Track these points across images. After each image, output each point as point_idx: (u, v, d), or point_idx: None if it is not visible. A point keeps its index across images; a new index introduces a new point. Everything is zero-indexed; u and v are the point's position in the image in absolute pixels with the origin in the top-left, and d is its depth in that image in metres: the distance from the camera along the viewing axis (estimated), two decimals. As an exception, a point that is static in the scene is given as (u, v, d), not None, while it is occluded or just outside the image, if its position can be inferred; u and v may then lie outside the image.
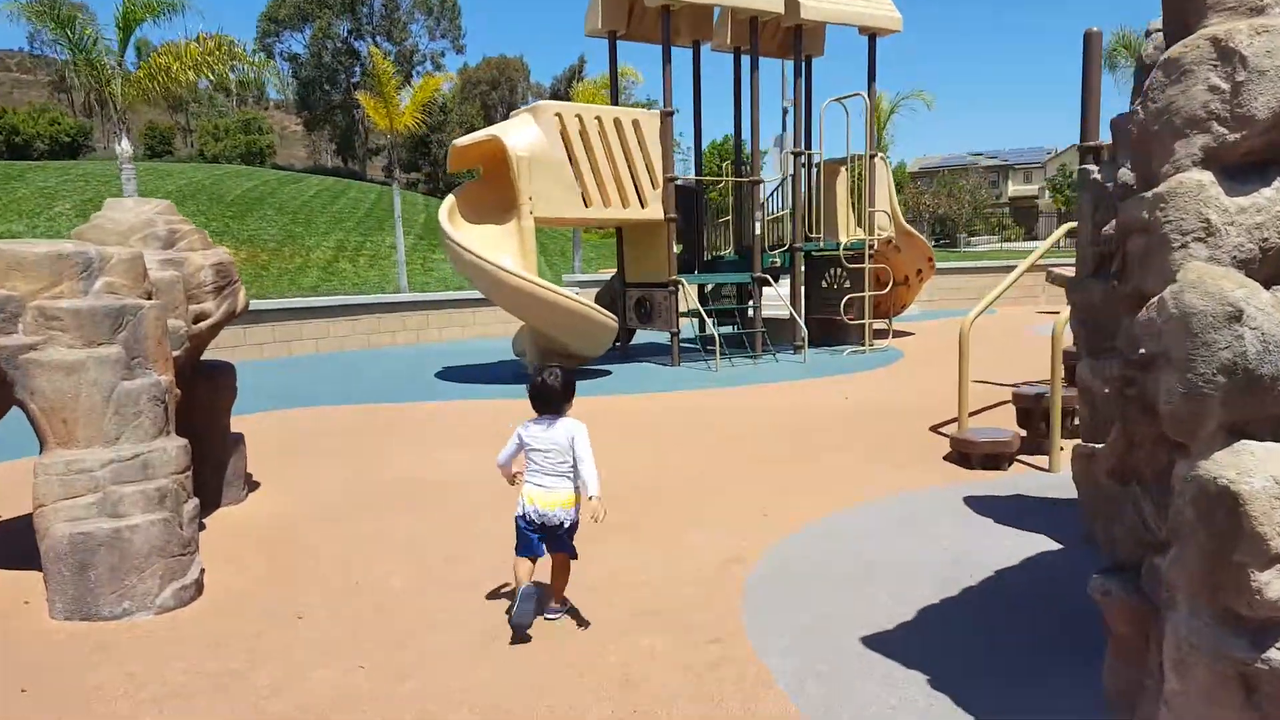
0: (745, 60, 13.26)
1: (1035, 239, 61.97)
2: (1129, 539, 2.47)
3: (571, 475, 3.68)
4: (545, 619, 3.67)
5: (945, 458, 6.17)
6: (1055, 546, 4.27)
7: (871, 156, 12.30)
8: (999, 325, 15.53)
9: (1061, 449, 5.85)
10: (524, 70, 68.40)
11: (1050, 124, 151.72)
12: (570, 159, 10.54)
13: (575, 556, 3.74)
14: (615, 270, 13.04)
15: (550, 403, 3.83)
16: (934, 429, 7.02)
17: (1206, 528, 2.12)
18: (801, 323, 11.58)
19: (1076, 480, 4.66)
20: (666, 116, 11.04)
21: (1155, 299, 2.22)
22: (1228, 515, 2.08)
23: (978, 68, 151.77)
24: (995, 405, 7.77)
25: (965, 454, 5.98)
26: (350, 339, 15.02)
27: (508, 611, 3.61)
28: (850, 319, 12.29)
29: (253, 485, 5.79)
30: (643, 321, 11.93)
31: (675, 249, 11.13)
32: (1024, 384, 8.41)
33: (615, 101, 12.37)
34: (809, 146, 12.09)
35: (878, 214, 12.58)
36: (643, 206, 11.05)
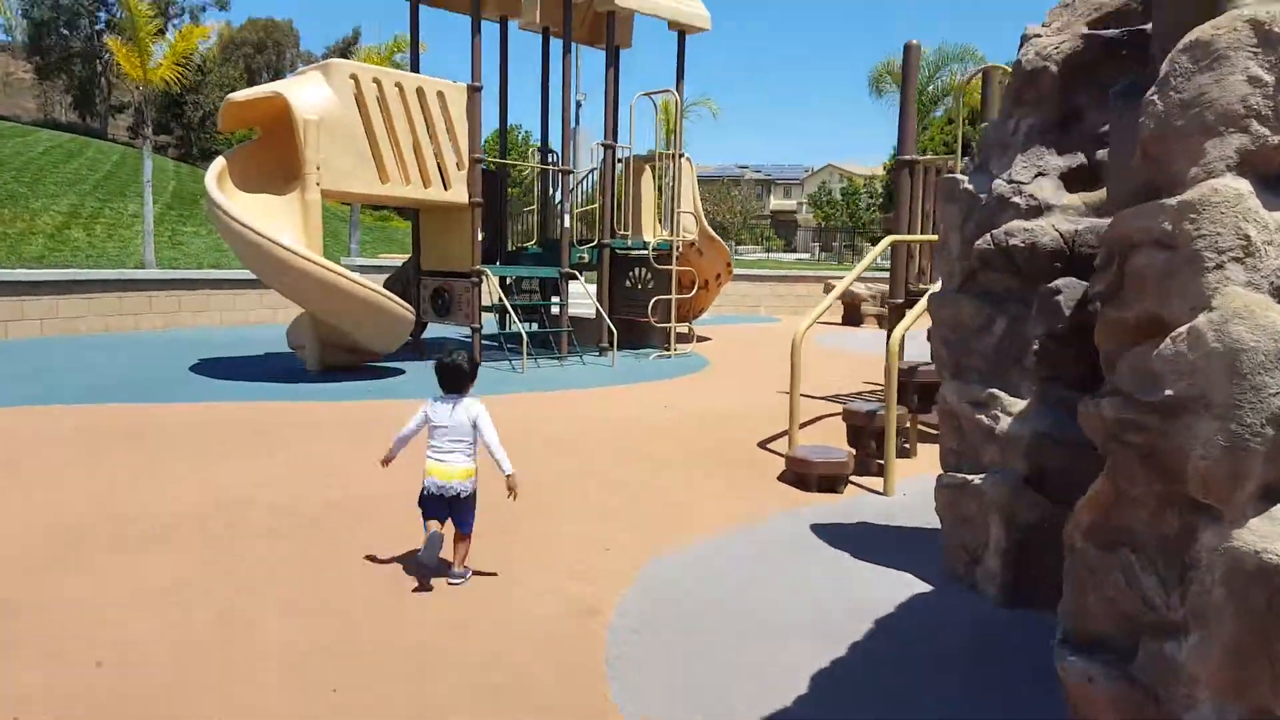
0: (554, 43, 12.63)
1: (793, 250, 66.15)
2: (1109, 612, 2.10)
3: (469, 452, 4.03)
4: (449, 583, 3.91)
5: (780, 477, 5.85)
6: (923, 586, 3.97)
7: (678, 156, 12.04)
8: (784, 335, 15.90)
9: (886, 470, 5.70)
10: (293, 35, 63.67)
11: (806, 142, 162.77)
12: (366, 128, 9.41)
13: (468, 533, 4.02)
14: (408, 256, 11.97)
15: (457, 382, 4.15)
16: (763, 445, 6.72)
17: (1241, 611, 1.74)
18: (610, 323, 11.10)
19: (941, 513, 4.45)
20: (475, 91, 10.16)
21: (1184, 330, 1.83)
22: (1269, 597, 1.71)
23: (749, 80, 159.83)
24: (813, 420, 7.62)
25: (801, 475, 5.68)
26: (84, 321, 12.82)
27: (415, 552, 3.97)
28: (655, 321, 11.99)
29: (-63, 512, 4.42)
30: (440, 314, 10.96)
31: (479, 237, 10.28)
32: (851, 398, 8.40)
33: (415, 70, 11.29)
34: (615, 140, 11.63)
35: (684, 215, 12.37)
36: (446, 188, 10.10)
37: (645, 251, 12.02)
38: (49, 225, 23.41)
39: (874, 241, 64.34)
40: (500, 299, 10.66)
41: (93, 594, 3.59)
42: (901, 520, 5.01)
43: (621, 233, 11.88)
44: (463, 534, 4.02)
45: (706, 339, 13.84)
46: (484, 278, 10.41)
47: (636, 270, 13.13)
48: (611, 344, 11.00)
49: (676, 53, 11.96)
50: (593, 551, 4.30)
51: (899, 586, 3.95)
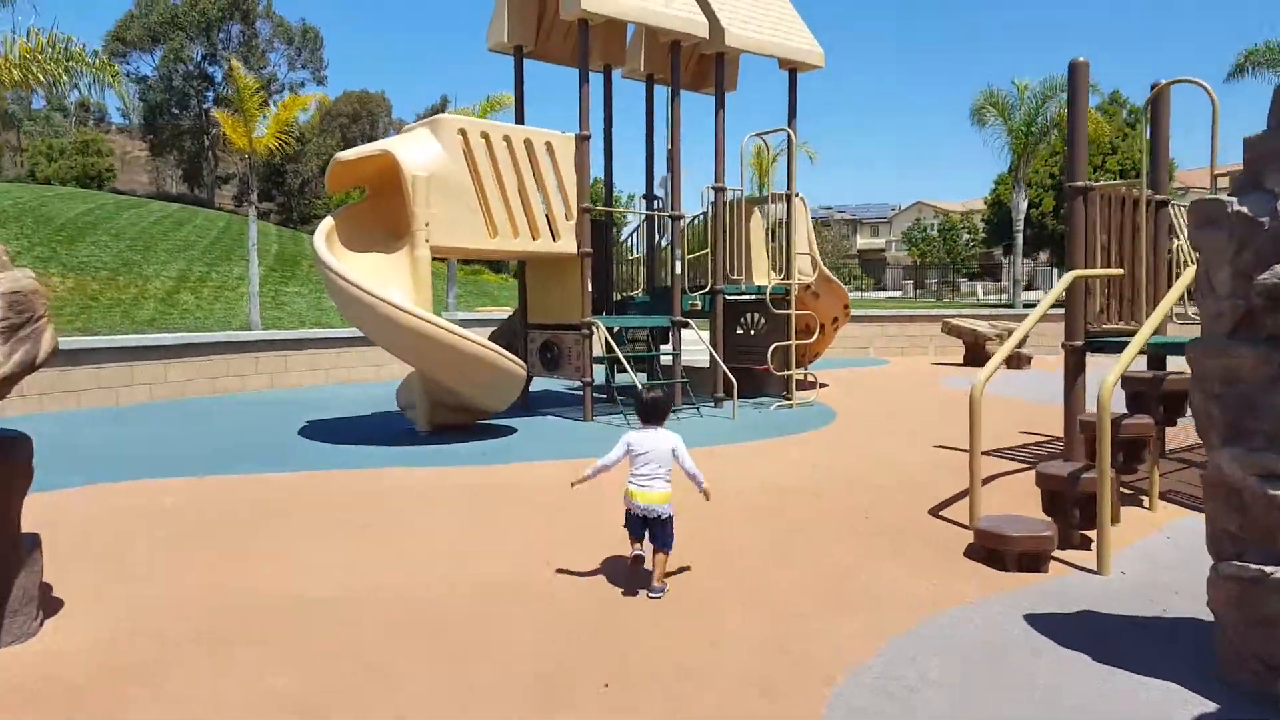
0: (658, 90, 12.28)
1: (883, 289, 64.61)
2: None
3: (668, 477, 4.55)
4: (649, 597, 4.35)
5: (967, 553, 5.08)
6: (1204, 704, 3.17)
7: (792, 195, 11.45)
8: (904, 378, 15.02)
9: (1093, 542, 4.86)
10: (386, 105, 66.19)
11: (888, 181, 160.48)
12: (475, 182, 9.12)
13: (669, 550, 4.53)
14: (506, 309, 11.64)
15: (659, 415, 4.77)
16: (936, 513, 5.95)
17: None
18: (727, 372, 10.48)
19: (1222, 611, 3.57)
20: (583, 140, 9.80)
21: None
22: None
23: (827, 118, 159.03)
24: (988, 479, 6.81)
25: (996, 551, 4.88)
26: (193, 384, 12.85)
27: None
28: (774, 369, 11.33)
29: (51, 607, 4.05)
30: (549, 368, 10.54)
31: (589, 286, 9.85)
32: (1015, 451, 7.50)
33: (520, 122, 11.05)
34: (724, 182, 11.10)
35: (799, 257, 11.74)
36: (555, 239, 9.73)
37: (760, 296, 11.42)
38: (160, 290, 24.21)
39: (972, 277, 62.51)
40: (610, 349, 10.14)
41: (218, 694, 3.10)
42: (1131, 607, 4.19)
43: (734, 277, 11.31)
44: (664, 550, 4.53)
45: (824, 385, 13.08)
46: (594, 329, 9.95)
47: (749, 316, 12.53)
48: (730, 394, 10.37)
49: (788, 90, 11.44)
50: (767, 657, 3.63)
51: (1174, 704, 3.16)
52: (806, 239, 12.07)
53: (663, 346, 12.43)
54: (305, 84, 62.31)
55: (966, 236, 52.80)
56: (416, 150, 8.84)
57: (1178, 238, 7.80)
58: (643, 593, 4.38)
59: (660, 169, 12.16)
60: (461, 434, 9.01)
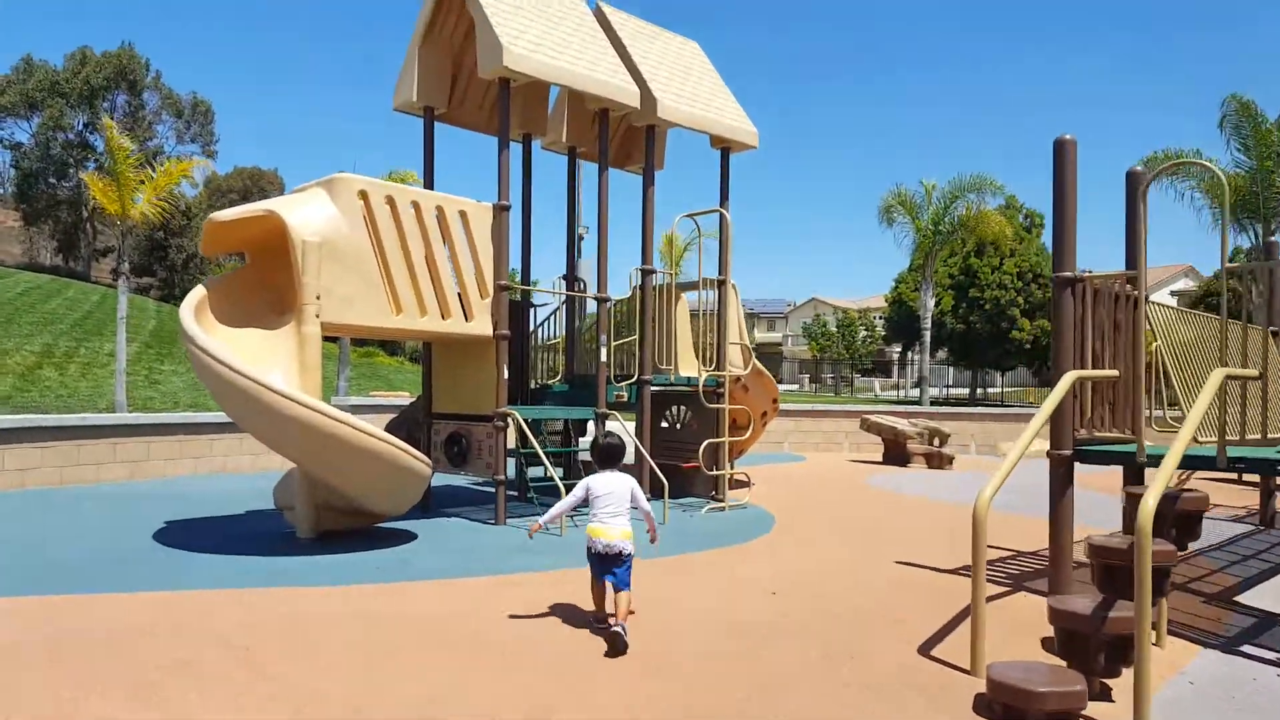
0: (582, 165, 11.55)
1: (781, 382, 65.53)
2: None
3: (628, 516, 4.99)
4: (613, 632, 4.63)
5: (978, 708, 4.12)
6: None
7: (721, 283, 10.75)
8: (828, 476, 14.30)
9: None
10: (279, 182, 64.27)
11: (782, 276, 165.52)
12: (376, 251, 8.02)
13: (628, 589, 4.89)
14: (407, 395, 10.43)
15: (616, 459, 5.20)
16: (926, 653, 4.99)
17: None
18: (656, 469, 9.46)
19: None
20: (501, 211, 8.86)
21: None
22: None
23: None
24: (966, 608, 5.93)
25: (1017, 710, 3.94)
26: (36, 473, 11.03)
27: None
28: (706, 468, 10.41)
29: None
30: (454, 463, 9.30)
31: (505, 374, 8.76)
32: (1022, 578, 6.66)
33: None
34: (652, 264, 10.30)
35: (734, 347, 10.98)
36: (467, 319, 8.65)
37: (689, 389, 10.54)
38: (20, 365, 21.81)
39: (865, 373, 63.90)
40: (527, 442, 9.01)
41: None
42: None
43: (663, 367, 10.42)
44: (623, 589, 4.81)
45: (745, 483, 12.19)
46: (510, 420, 8.83)
47: (675, 409, 11.62)
48: (660, 494, 9.33)
49: (720, 170, 10.84)
50: None
51: None
52: (738, 328, 11.34)
53: (581, 440, 11.36)
54: (194, 158, 60.00)
55: (864, 333, 54.02)
56: (308, 212, 7.72)
57: (1154, 339, 7.29)
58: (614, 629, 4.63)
59: (584, 249, 11.32)
60: (351, 541, 7.66)
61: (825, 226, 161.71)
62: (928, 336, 28.55)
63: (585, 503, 5.04)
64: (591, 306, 10.58)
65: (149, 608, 5.48)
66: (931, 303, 29.00)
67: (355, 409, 15.01)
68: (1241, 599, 6.47)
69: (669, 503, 9.70)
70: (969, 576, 6.76)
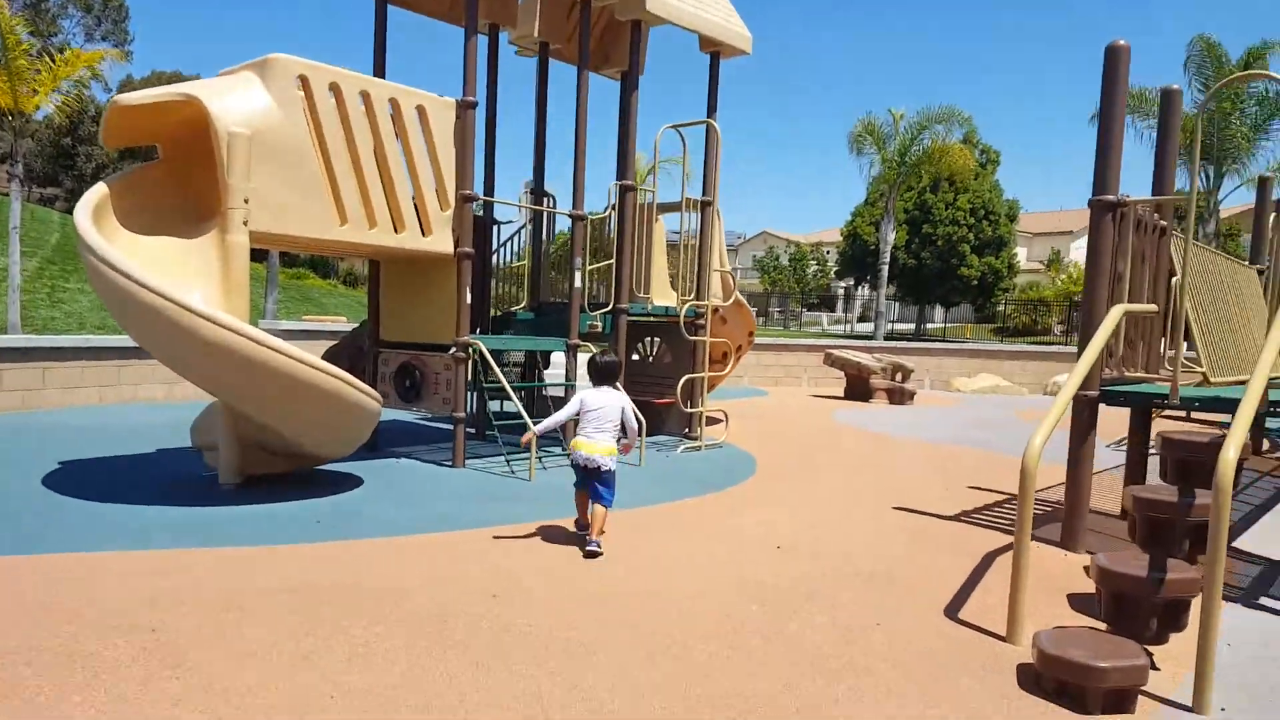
0: (555, 67, 10.22)
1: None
2: None
3: (614, 433, 5.09)
4: (587, 550, 4.85)
5: (1024, 683, 3.50)
6: None
7: (707, 204, 9.68)
8: (795, 412, 13.57)
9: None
10: (204, 89, 59.90)
11: (732, 210, 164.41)
12: (318, 149, 6.73)
13: (609, 506, 5.03)
14: (351, 321, 9.24)
15: (612, 377, 5.36)
16: (954, 615, 4.28)
17: None
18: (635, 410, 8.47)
19: None
20: (466, 108, 7.58)
21: None
22: None
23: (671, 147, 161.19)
24: (987, 558, 5.24)
25: (1074, 686, 3.30)
26: (-94, 403, 9.53)
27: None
28: (672, 403, 9.49)
29: None
30: (405, 399, 8.18)
31: (467, 297, 7.61)
32: (982, 513, 6.01)
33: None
34: (632, 178, 9.13)
35: (715, 275, 9.97)
36: (425, 233, 7.44)
37: (667, 319, 9.55)
38: (-106, 279, 19.60)
39: (811, 308, 63.53)
40: (491, 375, 7.93)
41: None
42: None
43: (641, 295, 9.37)
44: (604, 505, 5.00)
45: (716, 418, 11.34)
46: (470, 352, 7.73)
47: (647, 341, 10.62)
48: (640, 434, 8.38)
49: (709, 76, 9.64)
50: None
51: None
52: (719, 255, 10.33)
53: (545, 373, 10.32)
54: (106, 58, 55.56)
55: (815, 267, 53.48)
56: (236, 99, 6.36)
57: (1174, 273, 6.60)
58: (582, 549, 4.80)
59: (555, 160, 10.07)
60: (286, 488, 6.53)
61: (778, 162, 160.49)
62: (885, 271, 27.95)
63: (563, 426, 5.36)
64: (562, 225, 9.42)
65: (24, 576, 4.32)
66: (892, 236, 28.33)
67: (286, 335, 13.66)
68: (1240, 544, 5.96)
69: (643, 441, 8.78)
70: (975, 525, 6.10)
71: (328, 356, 9.49)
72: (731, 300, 10.15)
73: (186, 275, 5.98)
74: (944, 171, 28.51)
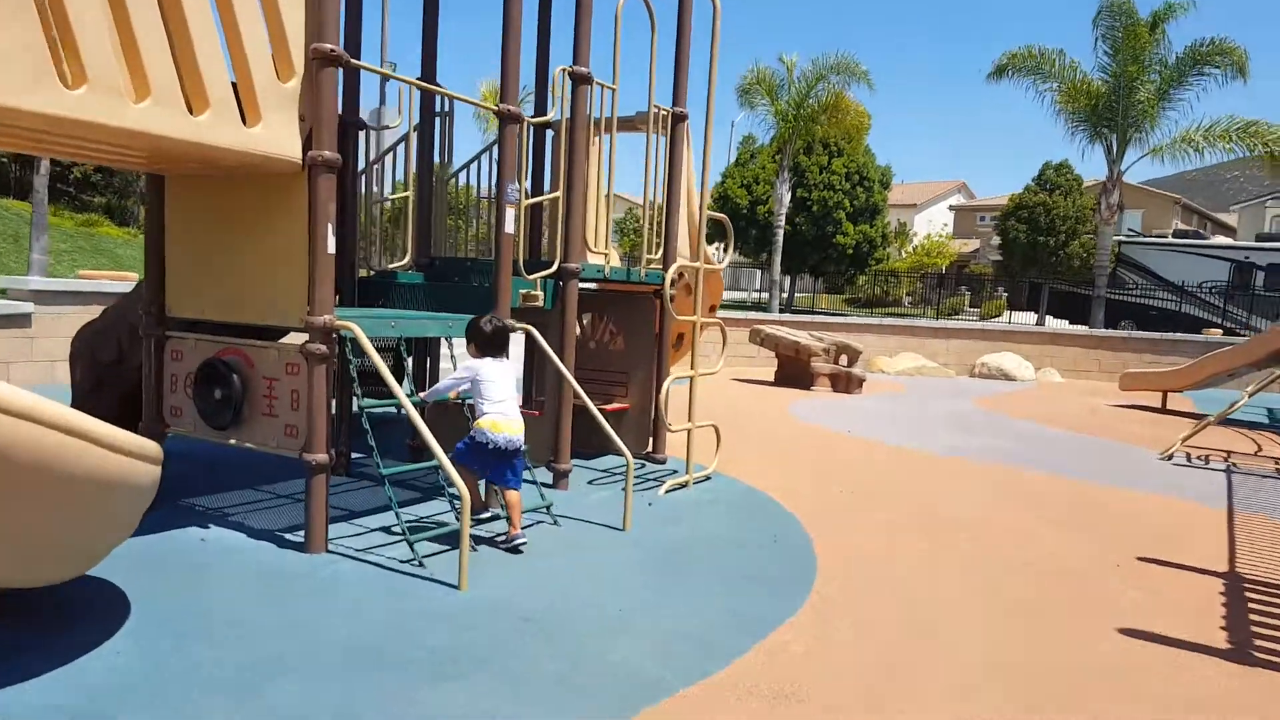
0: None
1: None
2: None
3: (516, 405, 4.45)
4: (511, 547, 4.33)
5: None
6: None
7: (679, 118, 6.64)
8: (743, 407, 10.82)
9: None
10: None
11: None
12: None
13: (520, 488, 4.44)
14: (138, 283, 5.76)
15: (504, 347, 4.57)
16: None
17: None
18: (602, 420, 5.34)
19: None
20: (324, -103, 4.15)
21: None
22: None
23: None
24: None
25: None
26: None
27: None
28: (627, 408, 6.52)
29: None
30: (215, 421, 4.68)
31: (330, 244, 4.23)
32: None
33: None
34: (587, 66, 5.93)
35: (683, 225, 6.99)
36: (246, 120, 4.00)
37: (628, 288, 6.52)
38: None
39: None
40: (358, 381, 4.64)
41: None
42: None
43: (598, 249, 6.25)
44: (517, 489, 4.41)
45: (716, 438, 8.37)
46: (345, 339, 4.39)
47: (584, 319, 7.47)
48: (631, 462, 5.30)
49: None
50: None
51: None
52: (690, 196, 7.33)
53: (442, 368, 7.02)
54: None
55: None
56: None
57: None
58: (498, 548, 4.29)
59: (465, 31, 6.65)
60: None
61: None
62: (780, 236, 25.70)
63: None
64: (469, 136, 6.06)
65: None
66: (787, 196, 26.07)
67: (49, 296, 9.57)
68: None
69: (577, 466, 5.80)
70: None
71: (87, 336, 5.86)
72: (703, 260, 7.14)
73: None
74: (837, 130, 26.54)
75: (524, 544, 4.37)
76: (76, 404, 6.07)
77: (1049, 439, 9.58)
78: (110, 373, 5.84)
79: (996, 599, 4.20)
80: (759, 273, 43.51)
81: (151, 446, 3.10)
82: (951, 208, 59.86)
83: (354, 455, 6.14)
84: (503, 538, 4.45)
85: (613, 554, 4.54)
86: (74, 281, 10.80)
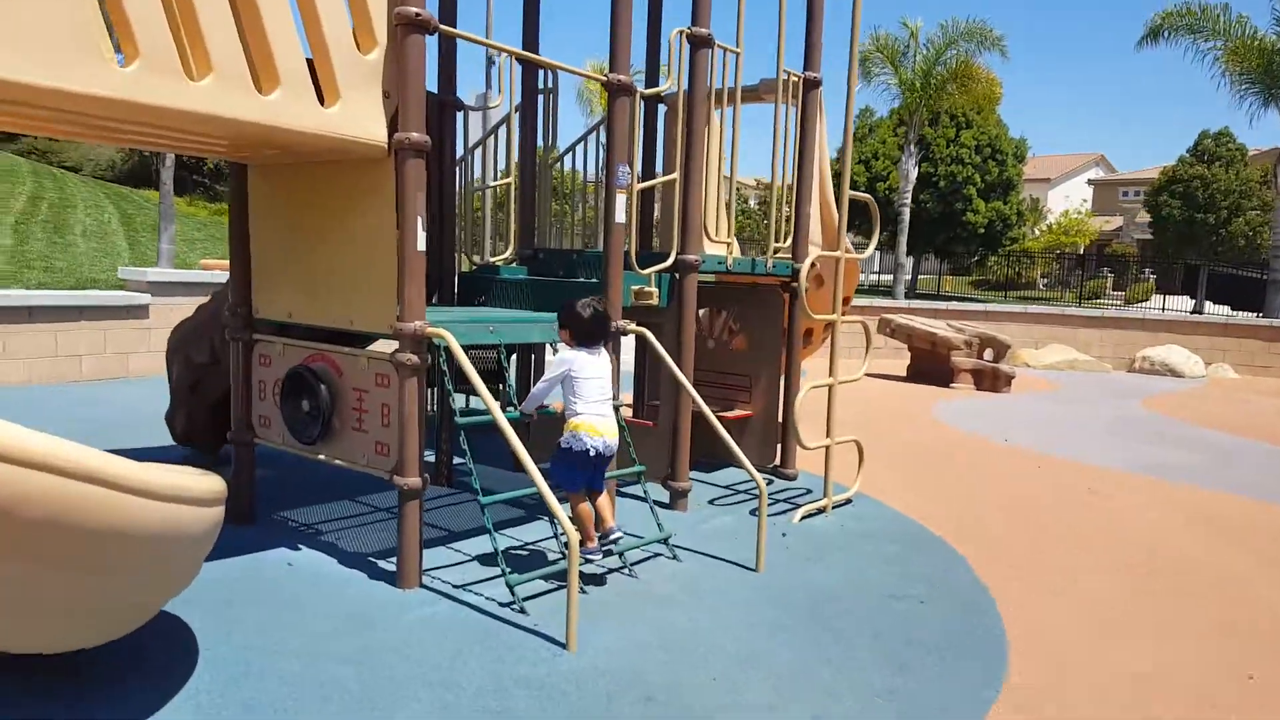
0: None
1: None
2: None
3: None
4: (614, 540, 3.96)
5: None
6: None
7: (814, 83, 5.86)
8: (876, 411, 9.92)
9: None
10: None
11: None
12: None
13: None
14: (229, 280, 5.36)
15: (604, 336, 3.99)
16: None
17: None
18: (722, 431, 4.69)
19: None
20: None
21: None
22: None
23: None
24: None
25: None
26: None
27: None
28: (750, 415, 5.83)
29: None
30: (302, 435, 4.27)
31: (420, 240, 3.71)
32: None
33: None
34: (707, 26, 5.23)
35: (815, 208, 6.24)
36: (323, 100, 3.51)
37: (755, 278, 5.81)
38: None
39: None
40: (458, 383, 4.13)
41: None
42: None
43: (718, 238, 5.58)
44: (602, 491, 3.98)
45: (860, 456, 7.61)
46: (438, 348, 3.88)
47: (700, 314, 6.81)
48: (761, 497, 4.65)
49: None
50: None
51: None
52: (822, 180, 6.56)
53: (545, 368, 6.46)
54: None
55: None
56: None
57: None
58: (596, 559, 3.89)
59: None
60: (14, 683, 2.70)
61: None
62: (907, 214, 24.30)
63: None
64: (572, 121, 5.47)
65: None
66: (914, 174, 24.61)
67: (165, 288, 9.60)
68: None
69: (697, 481, 5.15)
70: None
71: (178, 345, 5.60)
72: (843, 249, 6.34)
73: None
74: (967, 100, 24.86)
75: (618, 536, 4.01)
76: (175, 404, 5.83)
77: (1257, 455, 8.26)
78: (206, 373, 5.57)
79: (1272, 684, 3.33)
80: (877, 253, 41.76)
81: (207, 486, 2.63)
82: (1090, 182, 56.09)
83: (456, 462, 5.69)
84: (609, 542, 4.04)
85: (745, 605, 3.86)
86: (189, 273, 10.83)
